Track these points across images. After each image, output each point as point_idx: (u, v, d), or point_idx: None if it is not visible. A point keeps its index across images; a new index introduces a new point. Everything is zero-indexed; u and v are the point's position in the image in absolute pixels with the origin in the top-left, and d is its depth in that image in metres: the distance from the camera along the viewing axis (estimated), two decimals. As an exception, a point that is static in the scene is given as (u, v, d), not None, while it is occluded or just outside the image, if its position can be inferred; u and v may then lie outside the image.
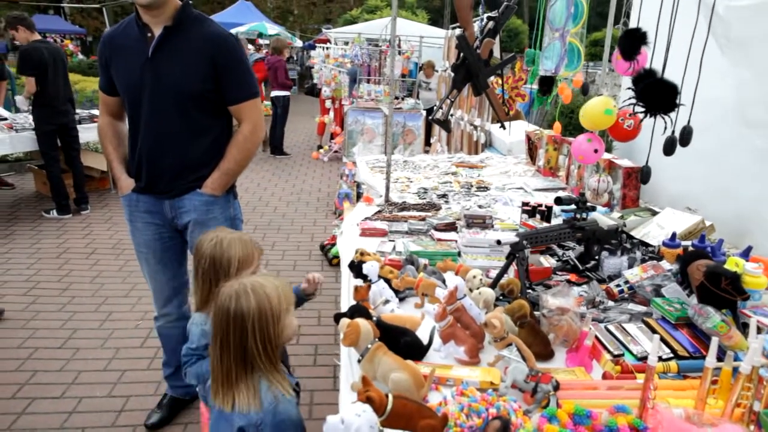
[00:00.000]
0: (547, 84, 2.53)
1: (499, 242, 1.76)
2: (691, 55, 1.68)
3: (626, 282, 1.88)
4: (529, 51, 2.48)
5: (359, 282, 1.83)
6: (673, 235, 2.10)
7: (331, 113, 9.56)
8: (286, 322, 1.39)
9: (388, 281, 1.82)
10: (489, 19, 2.93)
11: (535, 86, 2.60)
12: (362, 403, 1.08)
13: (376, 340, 1.37)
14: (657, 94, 1.59)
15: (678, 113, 1.71)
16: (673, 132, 1.67)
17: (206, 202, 2.28)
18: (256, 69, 8.57)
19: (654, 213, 2.62)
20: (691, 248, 2.07)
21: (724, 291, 1.54)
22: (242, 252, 1.67)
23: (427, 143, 9.03)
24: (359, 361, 1.46)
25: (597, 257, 2.15)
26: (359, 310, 1.47)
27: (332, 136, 9.67)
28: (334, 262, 4.70)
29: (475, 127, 6.20)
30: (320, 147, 9.70)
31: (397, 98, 9.44)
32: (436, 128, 8.28)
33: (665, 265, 1.90)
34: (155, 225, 2.36)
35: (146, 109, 2.17)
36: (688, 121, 1.66)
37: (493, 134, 5.84)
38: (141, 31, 2.14)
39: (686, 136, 1.68)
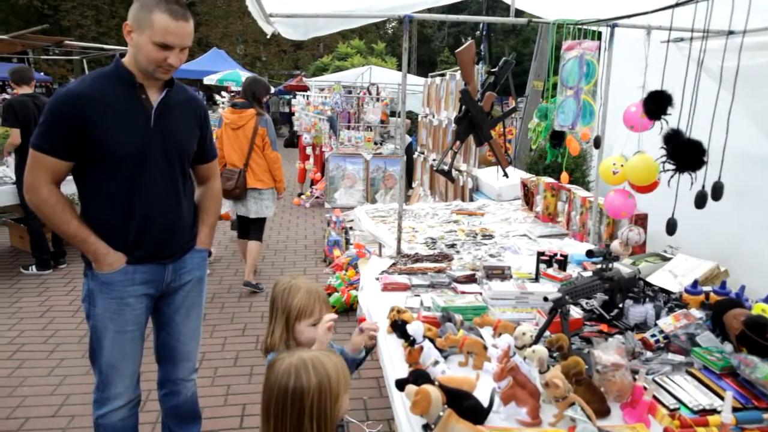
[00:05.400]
0: (558, 138, 2.63)
1: (546, 299, 1.79)
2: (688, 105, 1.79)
3: (661, 331, 1.92)
4: (541, 106, 2.58)
5: (402, 341, 1.82)
6: (695, 282, 2.17)
7: (311, 159, 9.61)
8: (342, 401, 1.35)
9: (431, 340, 1.81)
10: (489, 73, 3.06)
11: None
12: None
13: (446, 406, 1.35)
14: (686, 153, 1.67)
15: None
16: (703, 186, 1.75)
17: (203, 258, 2.40)
18: None
19: (663, 258, 2.70)
20: (713, 294, 2.14)
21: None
22: (304, 302, 1.70)
23: (407, 186, 9.16)
24: (425, 428, 1.44)
25: (621, 305, 2.20)
26: (422, 376, 1.45)
27: (313, 182, 9.69)
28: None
29: (461, 172, 6.32)
30: (301, 194, 9.68)
31: (376, 143, 9.60)
32: (418, 173, 8.41)
33: (696, 313, 1.96)
34: (148, 296, 2.20)
35: (150, 172, 2.09)
36: (719, 177, 1.75)
37: (480, 179, 5.97)
38: (134, 91, 2.04)
39: (717, 191, 1.76)
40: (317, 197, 9.19)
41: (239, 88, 15.39)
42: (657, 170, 1.85)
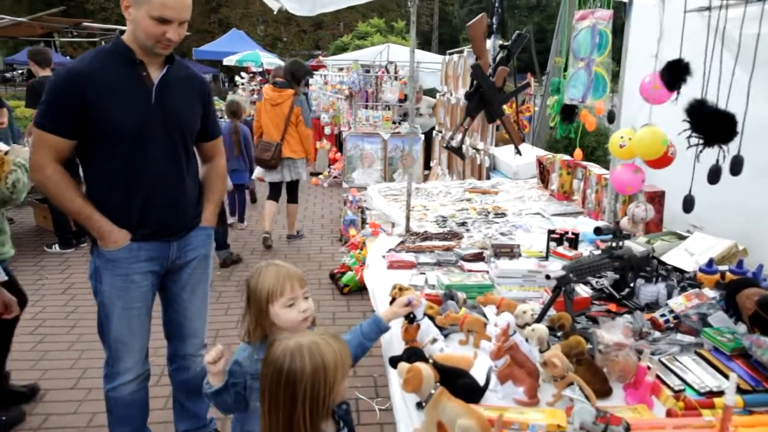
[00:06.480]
0: (568, 112, 2.54)
1: (548, 277, 1.74)
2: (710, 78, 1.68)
3: (671, 311, 1.86)
4: (554, 80, 2.49)
5: (402, 319, 1.79)
6: (710, 261, 2.09)
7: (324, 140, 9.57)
8: (339, 389, 1.32)
9: (431, 318, 1.78)
10: (502, 47, 2.96)
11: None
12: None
13: (438, 384, 1.33)
14: (716, 124, 1.58)
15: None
16: (717, 161, 1.67)
17: (208, 235, 2.39)
18: None
19: (680, 237, 2.61)
20: (728, 274, 2.06)
21: (781, 321, 1.52)
22: (271, 282, 1.59)
23: (426, 167, 9.06)
24: (418, 405, 1.42)
25: (632, 285, 2.13)
26: (416, 353, 1.43)
27: (330, 162, 9.67)
28: (345, 290, 4.64)
29: (478, 151, 6.22)
30: (319, 174, 9.63)
31: (394, 123, 9.49)
32: (436, 152, 8.32)
33: (709, 293, 1.88)
34: (154, 273, 2.22)
35: (151, 150, 2.08)
36: (739, 150, 1.66)
37: (498, 157, 5.86)
38: (135, 69, 2.03)
39: (737, 165, 1.66)
40: (335, 177, 9.18)
41: (259, 69, 15.46)
42: (664, 143, 1.76)
